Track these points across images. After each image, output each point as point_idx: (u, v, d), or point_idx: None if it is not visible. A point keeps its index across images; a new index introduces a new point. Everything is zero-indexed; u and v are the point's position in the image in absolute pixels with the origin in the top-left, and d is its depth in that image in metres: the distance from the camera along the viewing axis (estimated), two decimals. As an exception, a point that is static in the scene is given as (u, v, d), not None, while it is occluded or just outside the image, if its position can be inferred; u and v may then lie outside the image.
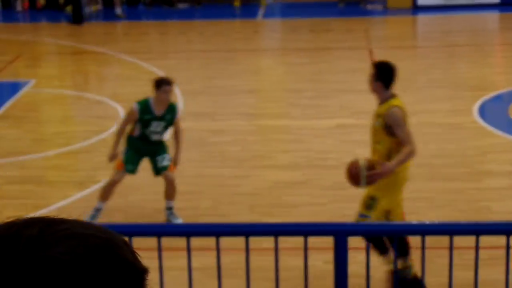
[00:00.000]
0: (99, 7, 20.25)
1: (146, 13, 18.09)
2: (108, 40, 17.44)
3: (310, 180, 9.44)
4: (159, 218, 8.42)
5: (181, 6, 20.76)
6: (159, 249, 4.90)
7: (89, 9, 19.81)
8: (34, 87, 13.59)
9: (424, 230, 5.26)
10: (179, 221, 8.42)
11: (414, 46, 16.81)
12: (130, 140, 8.38)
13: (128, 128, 8.38)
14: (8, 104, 12.68)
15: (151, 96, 8.37)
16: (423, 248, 4.96)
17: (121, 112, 12.12)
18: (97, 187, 9.31)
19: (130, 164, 8.35)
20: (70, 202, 8.97)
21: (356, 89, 13.04)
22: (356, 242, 5.52)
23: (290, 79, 14.08)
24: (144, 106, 8.22)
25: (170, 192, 8.46)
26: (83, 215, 8.28)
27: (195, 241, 5.21)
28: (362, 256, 5.25)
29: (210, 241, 5.01)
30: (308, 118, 11.72)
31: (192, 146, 10.75)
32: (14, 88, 13.68)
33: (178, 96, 12.85)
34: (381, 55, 15.10)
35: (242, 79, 13.97)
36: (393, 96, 7.06)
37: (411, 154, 6.80)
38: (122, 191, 8.72)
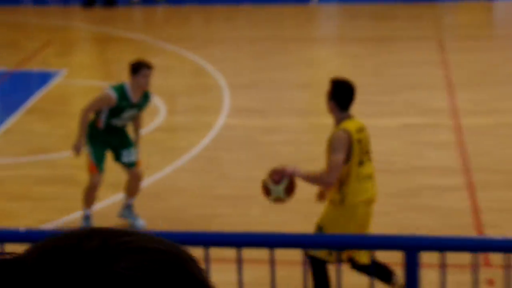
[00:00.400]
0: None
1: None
2: (147, 26, 17.51)
3: (373, 186, 9.34)
4: (203, 225, 8.38)
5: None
6: (207, 261, 4.85)
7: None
8: (65, 77, 13.67)
9: (508, 246, 5.13)
10: (141, 222, 8.39)
11: (490, 35, 16.60)
12: (94, 133, 8.30)
13: (89, 117, 8.31)
14: (37, 96, 12.78)
15: (126, 81, 8.32)
16: (508, 267, 4.84)
17: (162, 106, 12.14)
18: (134, 189, 9.31)
19: (101, 163, 8.34)
20: (102, 205, 8.98)
21: (424, 84, 12.91)
22: (429, 258, 5.42)
23: (349, 72, 13.95)
24: (121, 92, 8.17)
25: (133, 188, 8.44)
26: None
27: (246, 253, 5.16)
28: (434, 273, 5.15)
29: (262, 253, 4.95)
30: (370, 116, 11.59)
31: (240, 146, 10.72)
32: (43, 78, 13.78)
33: (224, 90, 12.84)
34: (453, 46, 14.95)
35: (294, 71, 13.91)
36: (348, 117, 6.89)
37: (322, 182, 6.73)
38: (162, 195, 8.70)
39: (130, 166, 8.42)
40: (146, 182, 9.43)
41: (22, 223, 8.29)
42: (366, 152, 6.92)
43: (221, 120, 11.60)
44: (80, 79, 13.64)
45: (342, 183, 6.73)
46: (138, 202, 8.50)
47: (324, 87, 12.87)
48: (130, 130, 8.58)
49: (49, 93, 12.99)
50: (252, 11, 18.77)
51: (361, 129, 6.93)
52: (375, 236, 6.71)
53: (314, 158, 10.19)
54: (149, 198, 8.96)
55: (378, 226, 8.24)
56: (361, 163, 6.83)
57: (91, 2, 19.12)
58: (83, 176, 9.79)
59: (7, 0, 20.02)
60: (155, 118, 11.66)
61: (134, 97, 8.17)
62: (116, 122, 8.25)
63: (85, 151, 8.34)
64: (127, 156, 8.41)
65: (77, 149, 8.32)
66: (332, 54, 15.32)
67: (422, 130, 10.97)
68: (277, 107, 12.22)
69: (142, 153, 10.30)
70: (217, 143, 10.81)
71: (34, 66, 14.37)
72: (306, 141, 10.86)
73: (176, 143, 10.93)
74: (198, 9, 17.77)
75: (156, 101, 12.40)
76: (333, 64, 14.67)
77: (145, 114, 11.70)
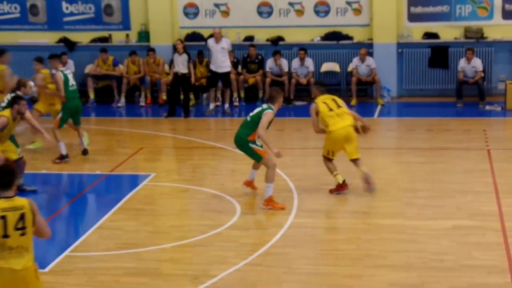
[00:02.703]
0: (218, 103, 20.77)
1: (245, 109, 18.40)
2: (226, 135, 17.80)
3: (426, 282, 9.30)
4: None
5: (298, 103, 21.07)
6: None
7: (212, 105, 20.34)
8: (153, 180, 13.95)
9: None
10: None
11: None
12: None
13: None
14: (128, 196, 13.05)
15: None
16: None
17: (238, 207, 12.28)
18: (211, 282, 9.42)
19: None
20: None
21: (474, 190, 12.89)
22: None
23: (406, 178, 14.01)
24: None
25: None
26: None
27: None
28: None
29: None
30: (424, 219, 11.61)
31: (306, 243, 10.79)
32: (134, 180, 14.08)
33: (293, 192, 12.96)
34: (499, 157, 14.91)
35: (356, 177, 13.94)
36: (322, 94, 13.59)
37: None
38: None
39: None
40: (220, 276, 9.55)
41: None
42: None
43: (289, 220, 11.70)
44: (166, 181, 13.90)
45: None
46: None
47: (383, 191, 12.94)
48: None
49: (138, 194, 13.25)
50: (319, 123, 18.96)
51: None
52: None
53: (373, 255, 10.21)
54: (224, 289, 9.01)
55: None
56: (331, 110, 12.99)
57: (172, 113, 19.62)
58: (168, 269, 9.96)
59: (106, 113, 20.61)
60: (231, 218, 11.80)
61: None
62: None
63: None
64: None
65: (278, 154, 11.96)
66: (390, 162, 15.37)
67: (471, 231, 10.92)
68: (339, 208, 12.31)
69: (218, 249, 10.46)
70: (285, 239, 10.89)
71: (126, 170, 14.69)
72: (366, 239, 10.86)
73: (249, 240, 11.02)
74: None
75: (233, 202, 12.57)
76: (392, 170, 14.71)
77: (220, 213, 11.87)
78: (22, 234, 7.23)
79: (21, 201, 7.30)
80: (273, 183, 12.16)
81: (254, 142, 12.33)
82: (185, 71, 19.52)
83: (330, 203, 12.57)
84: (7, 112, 12.70)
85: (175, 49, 20.05)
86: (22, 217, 7.23)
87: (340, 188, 12.97)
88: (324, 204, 12.52)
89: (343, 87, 21.60)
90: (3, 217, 7.19)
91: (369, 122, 19.14)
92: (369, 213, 12.11)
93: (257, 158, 12.36)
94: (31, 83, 13.86)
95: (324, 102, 13.08)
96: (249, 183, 13.08)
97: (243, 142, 12.39)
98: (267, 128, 12.35)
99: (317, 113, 13.05)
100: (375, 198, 12.75)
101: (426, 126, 18.16)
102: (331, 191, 13.00)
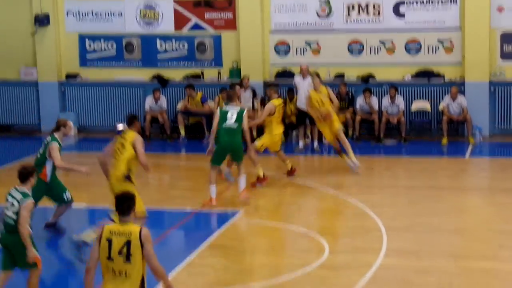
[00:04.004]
0: (308, 141, 20.68)
1: (353, 147, 18.21)
2: (315, 172, 17.67)
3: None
4: None
5: (388, 142, 20.81)
6: None
7: (302, 143, 20.27)
8: (242, 217, 13.90)
9: None
10: None
11: None
12: None
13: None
14: (217, 233, 13.02)
15: None
16: None
17: (326, 245, 12.11)
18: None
19: None
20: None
21: None
22: None
23: (499, 219, 13.62)
24: None
25: None
26: None
27: None
28: None
29: None
30: (518, 261, 11.24)
31: (395, 285, 10.54)
32: (223, 217, 14.05)
33: (382, 232, 12.73)
34: None
35: (448, 217, 13.68)
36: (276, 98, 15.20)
37: None
38: None
39: None
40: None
41: None
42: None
43: (378, 260, 11.47)
44: (255, 218, 13.83)
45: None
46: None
47: (475, 233, 12.60)
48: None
49: (227, 231, 13.21)
50: (410, 161, 18.71)
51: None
52: None
53: (464, 300, 9.91)
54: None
55: None
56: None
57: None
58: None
59: (196, 149, 20.71)
60: (320, 257, 11.64)
61: None
62: None
63: None
64: None
65: None
66: (483, 203, 14.99)
67: None
68: (430, 250, 12.00)
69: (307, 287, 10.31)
70: (375, 281, 10.67)
71: (215, 207, 14.67)
72: (458, 284, 10.56)
73: (338, 280, 10.84)
74: (361, 159, 17.79)
75: (321, 241, 12.42)
76: (484, 211, 14.35)
77: (309, 252, 11.72)
78: (127, 260, 7.32)
79: (133, 228, 7.45)
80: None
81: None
82: (249, 106, 20.04)
83: (420, 243, 12.28)
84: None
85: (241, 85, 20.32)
86: (127, 244, 7.36)
87: (262, 180, 15.88)
88: (414, 244, 12.24)
89: (434, 126, 21.26)
90: (109, 240, 7.37)
91: (461, 161, 18.89)
92: (461, 255, 11.78)
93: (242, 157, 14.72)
94: (71, 123, 13.84)
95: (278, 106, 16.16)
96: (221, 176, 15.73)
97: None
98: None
99: (270, 114, 16.00)
100: (467, 238, 12.42)
101: (519, 166, 17.71)
102: (252, 185, 15.61)
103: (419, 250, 12.04)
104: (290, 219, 13.95)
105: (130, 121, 12.23)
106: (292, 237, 12.80)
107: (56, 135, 12.89)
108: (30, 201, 9.53)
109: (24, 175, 9.64)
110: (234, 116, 14.62)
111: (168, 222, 14.41)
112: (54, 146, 12.72)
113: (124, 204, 7.49)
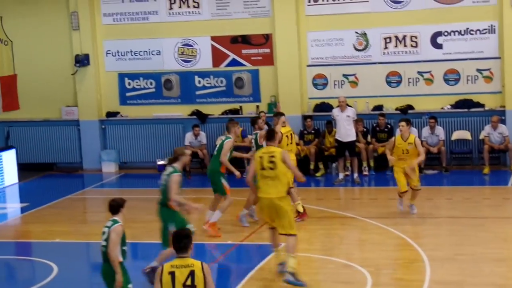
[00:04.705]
0: (348, 173, 20.59)
1: (393, 179, 18.08)
2: (355, 204, 17.57)
3: None
4: None
5: (429, 172, 20.64)
6: None
7: (342, 175, 20.19)
8: (282, 250, 13.80)
9: None
10: None
11: None
12: None
13: None
14: (258, 266, 12.96)
15: None
16: None
17: (368, 277, 11.99)
18: None
19: None
20: None
21: None
22: None
23: (542, 248, 13.40)
24: None
25: None
26: None
27: None
28: None
29: None
30: None
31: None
32: (264, 250, 13.94)
33: (425, 263, 12.57)
34: None
35: (491, 247, 13.49)
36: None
37: None
38: None
39: None
40: None
41: None
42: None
43: (422, 291, 11.34)
44: (298, 252, 13.72)
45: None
46: None
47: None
48: None
49: (269, 264, 13.14)
50: (452, 191, 18.53)
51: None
52: None
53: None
54: None
55: None
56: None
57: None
58: None
59: (236, 183, 20.67)
60: (362, 288, 11.54)
61: None
62: None
63: None
64: None
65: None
66: (526, 232, 14.77)
67: None
68: (474, 280, 11.82)
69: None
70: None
71: (256, 240, 14.61)
72: (503, 314, 10.37)
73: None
74: (402, 190, 17.63)
75: (363, 271, 12.30)
76: (528, 241, 14.13)
77: (352, 284, 11.59)
78: None
79: (193, 261, 7.71)
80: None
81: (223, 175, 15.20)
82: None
83: (464, 274, 12.10)
84: None
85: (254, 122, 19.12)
86: (191, 275, 7.55)
87: (302, 215, 15.66)
88: (458, 275, 12.06)
89: (475, 155, 21.06)
90: (172, 273, 7.57)
91: (503, 190, 18.65)
92: (505, 285, 11.59)
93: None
94: (188, 151, 13.65)
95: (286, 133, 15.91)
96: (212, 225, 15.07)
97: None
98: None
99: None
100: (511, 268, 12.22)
101: None
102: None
103: (463, 281, 11.86)
104: (332, 251, 13.85)
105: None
106: (334, 269, 12.70)
107: (176, 165, 12.61)
108: (118, 225, 9.59)
109: (114, 208, 9.78)
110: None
111: (210, 255, 14.38)
112: (174, 178, 12.35)
113: (182, 242, 7.80)
